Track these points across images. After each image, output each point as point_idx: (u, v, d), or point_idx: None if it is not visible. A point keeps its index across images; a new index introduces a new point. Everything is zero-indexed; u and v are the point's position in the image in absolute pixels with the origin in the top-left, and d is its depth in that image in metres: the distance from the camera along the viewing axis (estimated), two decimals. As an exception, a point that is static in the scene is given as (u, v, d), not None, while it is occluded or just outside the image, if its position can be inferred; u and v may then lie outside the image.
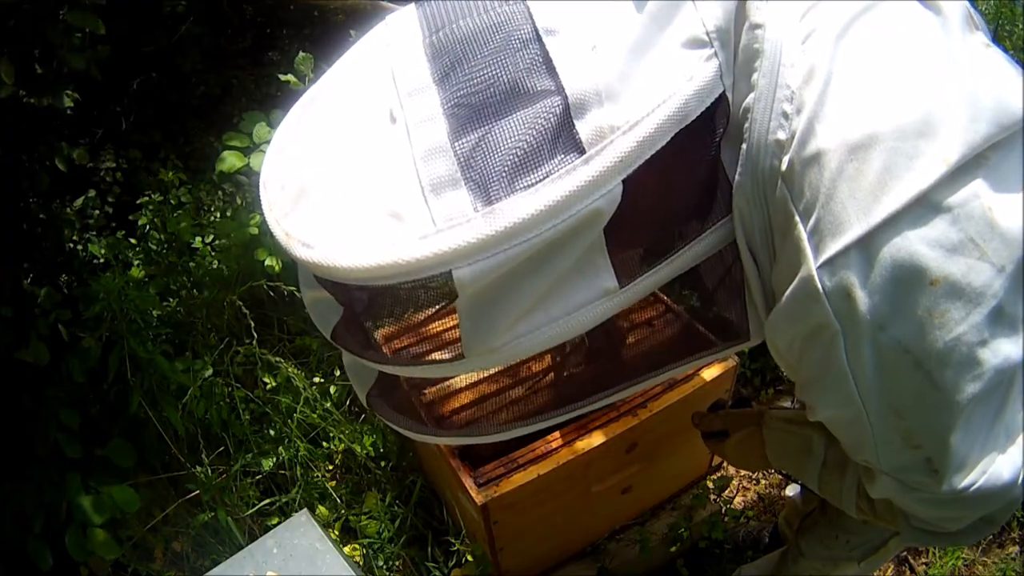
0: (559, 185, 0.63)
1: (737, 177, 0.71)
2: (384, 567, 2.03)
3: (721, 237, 0.76)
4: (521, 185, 0.64)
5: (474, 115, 0.67)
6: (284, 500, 2.08)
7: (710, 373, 1.79)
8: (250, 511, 2.04)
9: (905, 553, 2.21)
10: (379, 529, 2.05)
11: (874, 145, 0.65)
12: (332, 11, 4.40)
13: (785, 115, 0.68)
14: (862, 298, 0.67)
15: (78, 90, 2.24)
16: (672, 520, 2.08)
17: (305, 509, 1.70)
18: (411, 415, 0.99)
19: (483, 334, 0.70)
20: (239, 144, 2.32)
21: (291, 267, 2.35)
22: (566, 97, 0.65)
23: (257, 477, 2.12)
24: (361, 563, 2.02)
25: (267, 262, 2.23)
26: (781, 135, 0.68)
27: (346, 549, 2.04)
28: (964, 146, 0.64)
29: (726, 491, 2.28)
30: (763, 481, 2.42)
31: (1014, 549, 2.24)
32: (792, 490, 2.07)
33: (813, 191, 0.68)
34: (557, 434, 1.67)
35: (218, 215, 3.13)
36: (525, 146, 0.64)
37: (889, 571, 2.19)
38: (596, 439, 1.65)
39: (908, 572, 2.19)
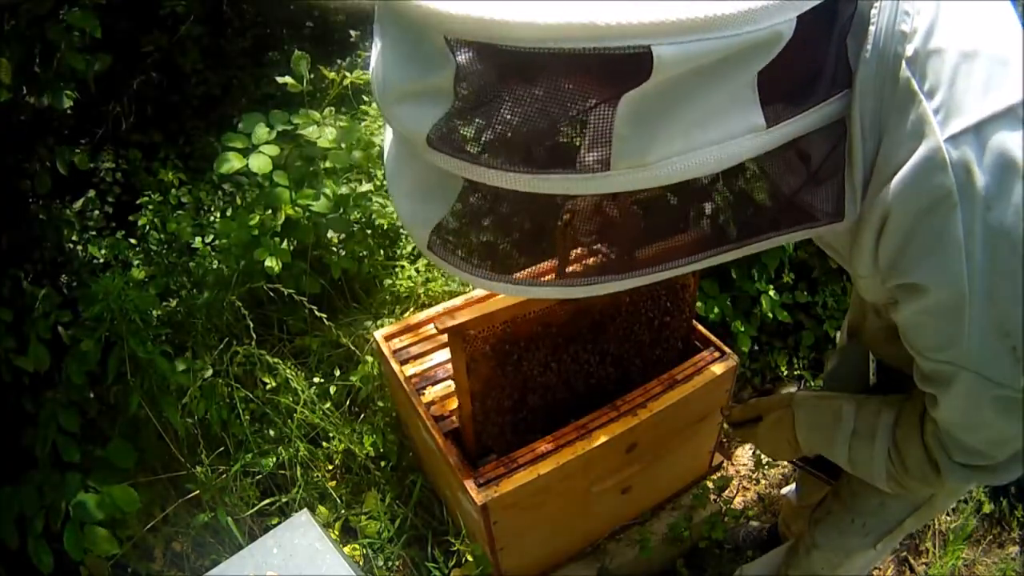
0: None
1: (864, 55, 0.77)
2: (384, 567, 2.03)
3: (837, 110, 0.80)
4: None
5: None
6: (284, 500, 2.08)
7: (710, 373, 1.79)
8: (250, 511, 2.05)
9: (905, 553, 2.22)
10: (379, 529, 2.05)
11: (978, 57, 0.76)
12: (332, 11, 4.40)
13: (907, 13, 0.76)
14: (978, 174, 0.75)
15: (78, 90, 2.24)
16: (672, 520, 2.08)
17: (305, 509, 1.70)
18: (482, 258, 0.85)
19: (640, 144, 0.68)
20: (238, 145, 2.31)
21: (291, 268, 2.35)
22: None
23: (257, 477, 2.12)
24: (361, 563, 2.02)
25: (267, 262, 2.22)
26: (905, 27, 0.76)
27: (346, 549, 2.04)
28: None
29: (726, 491, 2.29)
30: (763, 481, 2.42)
31: (1014, 549, 2.24)
32: (789, 490, 2.07)
33: (936, 77, 0.76)
34: (557, 434, 1.67)
35: (218, 215, 3.13)
36: None
37: (889, 571, 2.19)
38: (596, 439, 1.65)
39: (908, 572, 2.19)
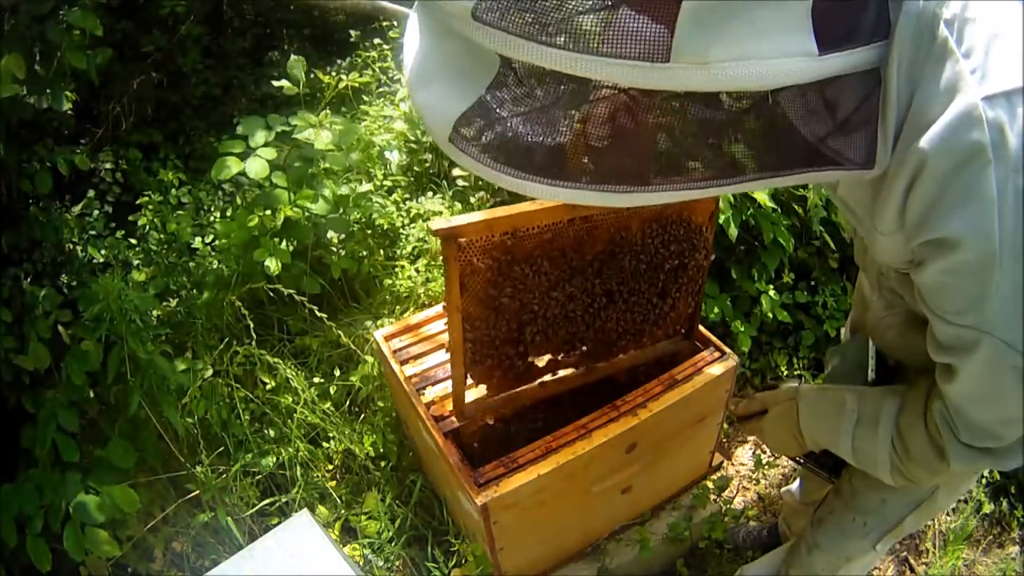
0: None
1: (905, 9, 0.79)
2: (384, 567, 2.03)
3: (876, 57, 0.81)
4: None
5: None
6: (284, 500, 2.08)
7: (710, 373, 1.79)
8: (250, 511, 2.05)
9: (905, 553, 2.22)
10: (379, 529, 2.06)
11: (1007, 37, 0.80)
12: (332, 11, 4.41)
13: None
14: (1011, 136, 0.77)
15: (79, 90, 2.25)
16: (672, 520, 2.08)
17: (305, 509, 1.70)
18: (505, 153, 0.81)
19: (702, 41, 0.68)
20: (237, 149, 2.32)
21: (291, 268, 2.35)
22: None
23: (257, 477, 2.12)
24: (361, 563, 2.02)
25: (267, 263, 2.22)
26: None
27: (346, 549, 2.04)
28: None
29: (726, 491, 2.29)
30: (763, 481, 2.42)
31: (1014, 549, 2.24)
32: (789, 490, 2.07)
33: (971, 42, 0.79)
34: (557, 434, 1.67)
35: (218, 215, 3.13)
36: None
37: (889, 571, 2.19)
38: (596, 439, 1.65)
39: (908, 572, 2.19)
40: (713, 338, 1.87)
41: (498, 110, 0.79)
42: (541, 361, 1.73)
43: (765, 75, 0.71)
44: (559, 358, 1.73)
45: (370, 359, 2.30)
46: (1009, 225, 0.79)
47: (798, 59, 0.73)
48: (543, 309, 1.58)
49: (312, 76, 2.64)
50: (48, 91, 2.14)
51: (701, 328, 1.90)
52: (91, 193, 3.32)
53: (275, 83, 2.53)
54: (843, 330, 1.64)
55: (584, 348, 1.73)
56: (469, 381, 1.65)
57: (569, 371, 1.76)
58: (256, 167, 2.27)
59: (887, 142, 0.84)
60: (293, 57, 2.42)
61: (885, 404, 1.15)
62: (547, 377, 1.75)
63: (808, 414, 1.30)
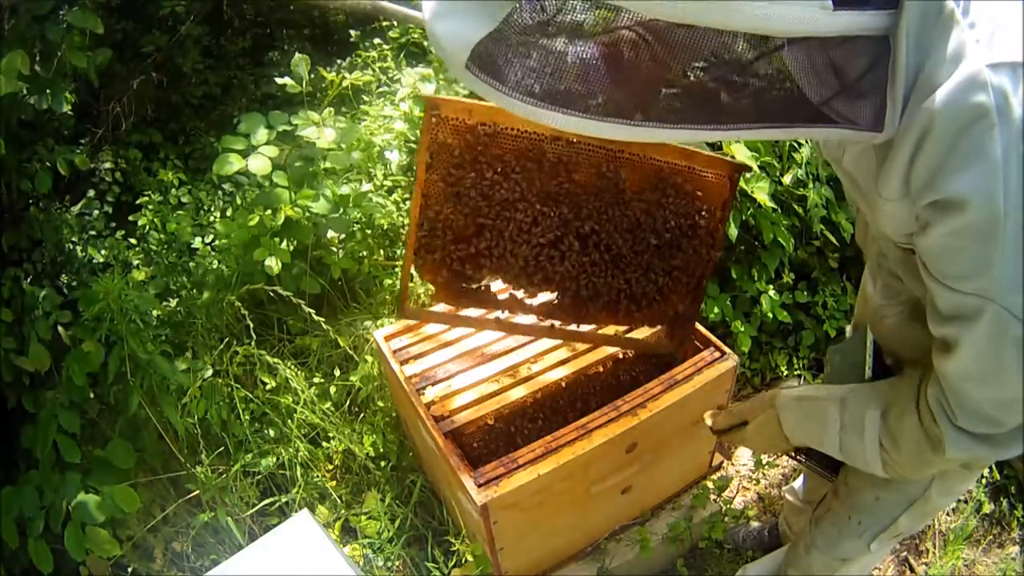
0: None
1: None
2: (384, 567, 2.03)
3: (885, 24, 0.83)
4: None
5: None
6: (284, 500, 2.08)
7: (710, 373, 1.79)
8: (250, 511, 2.05)
9: (905, 553, 2.22)
10: (379, 529, 2.06)
11: (1009, 13, 0.84)
12: (332, 11, 4.41)
13: None
14: (1015, 103, 0.79)
15: (79, 90, 2.25)
16: (672, 520, 2.08)
17: (305, 509, 1.70)
18: (525, 81, 0.82)
19: None
20: (238, 147, 2.31)
21: (291, 268, 2.36)
22: None
23: (257, 477, 2.12)
24: (361, 563, 2.02)
25: (267, 262, 2.22)
26: None
27: (346, 549, 2.04)
28: None
29: (726, 491, 2.29)
30: (763, 481, 2.42)
31: (1014, 549, 2.24)
32: (792, 488, 2.07)
33: (977, 15, 0.82)
34: (557, 434, 1.67)
35: (218, 215, 3.14)
36: None
37: (889, 571, 2.19)
38: (596, 439, 1.65)
39: (908, 572, 2.19)
40: (713, 338, 1.87)
41: (516, 37, 0.81)
42: (502, 293, 1.65)
43: (780, 17, 0.74)
44: (519, 295, 1.62)
45: (370, 359, 2.30)
46: (1013, 189, 0.80)
47: (813, 7, 0.75)
48: (505, 222, 1.51)
49: (314, 75, 2.64)
50: (48, 91, 2.14)
51: (701, 328, 1.90)
52: (91, 193, 3.32)
53: (278, 80, 2.53)
54: (847, 329, 1.63)
55: (549, 296, 1.63)
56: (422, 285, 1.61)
57: (531, 319, 1.65)
58: (259, 164, 2.26)
59: (896, 108, 0.86)
60: (297, 55, 2.42)
61: (868, 408, 1.15)
62: (504, 314, 1.64)
63: (792, 422, 1.29)
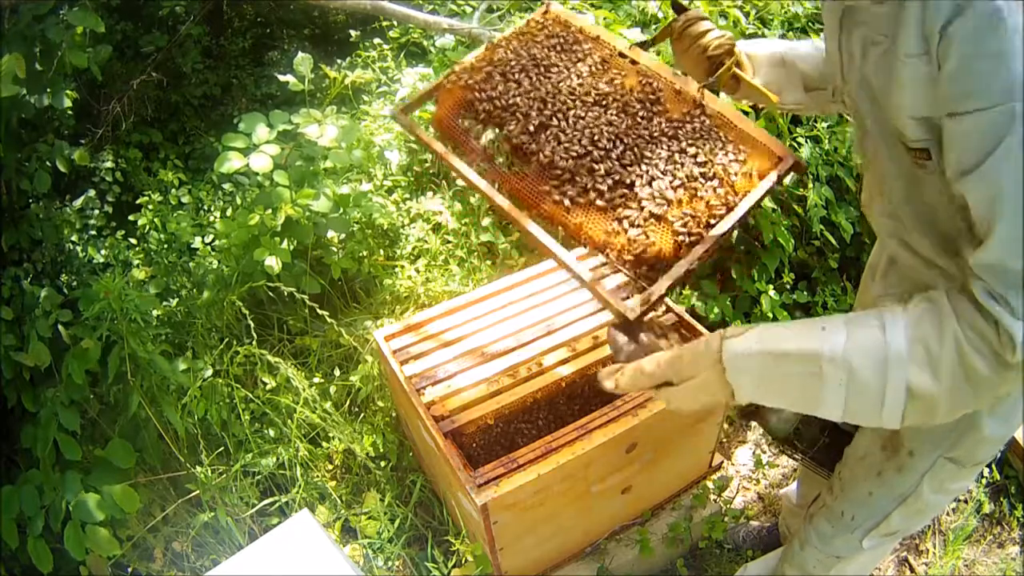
0: None
1: None
2: (384, 567, 2.03)
3: None
4: None
5: None
6: (284, 500, 2.08)
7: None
8: (250, 511, 2.04)
9: (905, 553, 2.22)
10: (379, 529, 2.05)
11: None
12: (332, 11, 4.41)
13: None
14: None
15: (79, 89, 2.25)
16: (672, 520, 2.09)
17: (305, 509, 1.70)
18: None
19: None
20: (239, 145, 2.31)
21: (291, 268, 2.36)
22: None
23: (257, 477, 2.12)
24: (361, 563, 2.02)
25: (267, 262, 2.22)
26: None
27: (346, 549, 2.04)
28: None
29: (726, 491, 2.29)
30: (763, 481, 2.42)
31: (1014, 549, 2.24)
32: (787, 494, 2.08)
33: None
34: (557, 434, 1.67)
35: (218, 215, 3.14)
36: None
37: (889, 571, 2.19)
38: (596, 439, 1.65)
39: (908, 572, 2.19)
40: (713, 338, 1.87)
41: None
42: (494, 157, 1.52)
43: None
44: (515, 138, 1.48)
45: (370, 359, 2.30)
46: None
47: None
48: (539, 89, 1.52)
49: (315, 74, 2.64)
50: (48, 90, 2.15)
51: (701, 328, 1.90)
52: (91, 192, 3.32)
53: (281, 78, 2.53)
54: None
55: (534, 153, 1.46)
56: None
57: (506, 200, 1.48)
58: (261, 162, 2.26)
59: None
60: (300, 54, 2.42)
61: (892, 335, 0.94)
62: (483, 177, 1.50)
63: (751, 386, 1.01)
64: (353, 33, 3.83)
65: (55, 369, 1.96)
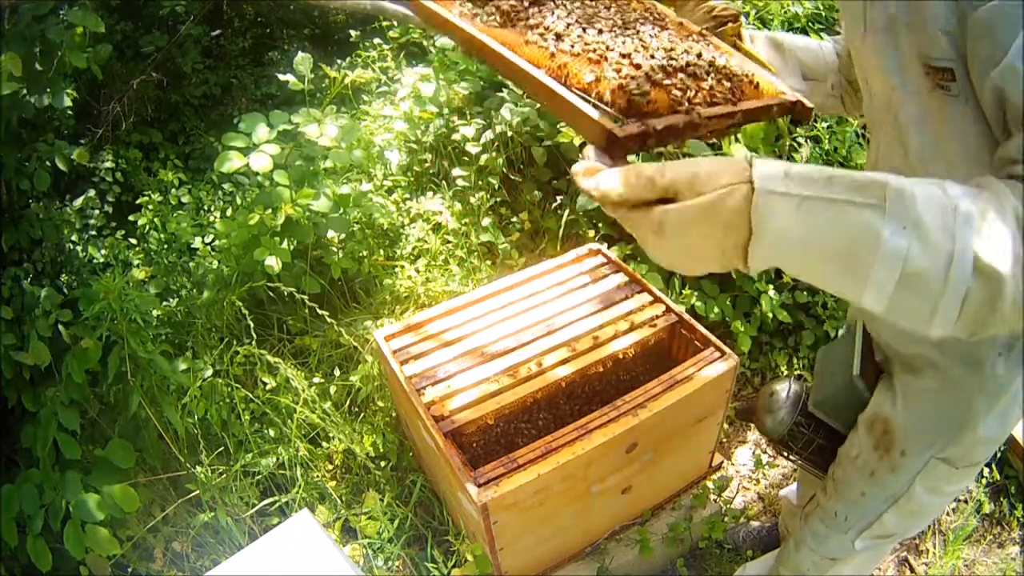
0: None
1: None
2: (384, 567, 2.03)
3: None
4: None
5: None
6: (284, 500, 2.08)
7: (710, 373, 1.79)
8: (250, 511, 2.04)
9: (905, 553, 2.22)
10: (379, 529, 2.05)
11: None
12: (332, 11, 4.41)
13: None
14: None
15: (79, 90, 2.25)
16: (672, 520, 2.08)
17: (305, 509, 1.70)
18: None
19: None
20: (239, 145, 2.31)
21: (291, 268, 2.36)
22: None
23: (257, 477, 2.12)
24: (361, 563, 2.02)
25: (267, 262, 2.22)
26: None
27: (346, 549, 2.04)
28: None
29: (726, 491, 2.29)
30: (763, 481, 2.42)
31: (1014, 549, 2.24)
32: (786, 495, 2.07)
33: None
34: (557, 434, 1.67)
35: (218, 215, 3.14)
36: None
37: (889, 571, 2.19)
38: (596, 439, 1.65)
39: (908, 572, 2.19)
40: (713, 338, 1.87)
41: None
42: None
43: None
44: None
45: (370, 359, 2.30)
46: None
47: None
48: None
49: (316, 74, 2.64)
50: (48, 90, 2.15)
51: (701, 328, 1.90)
52: (91, 192, 3.32)
53: (281, 78, 2.53)
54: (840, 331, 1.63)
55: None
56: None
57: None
58: (261, 162, 2.26)
59: None
60: (300, 54, 2.42)
61: (954, 194, 0.74)
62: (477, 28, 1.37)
63: (783, 227, 0.72)
64: (353, 33, 3.83)
65: (55, 369, 1.96)
